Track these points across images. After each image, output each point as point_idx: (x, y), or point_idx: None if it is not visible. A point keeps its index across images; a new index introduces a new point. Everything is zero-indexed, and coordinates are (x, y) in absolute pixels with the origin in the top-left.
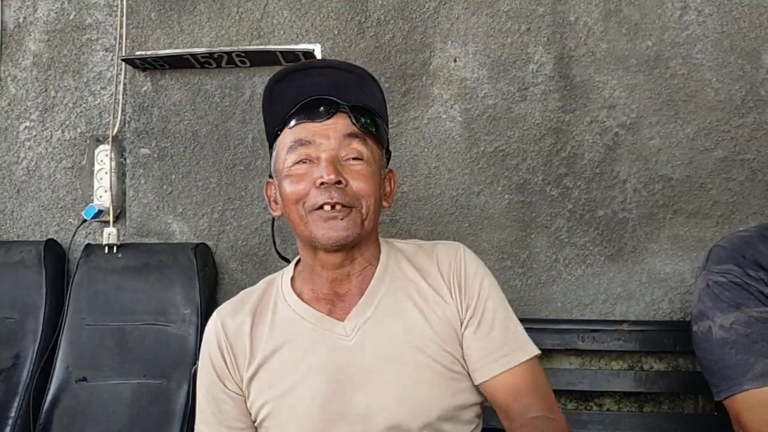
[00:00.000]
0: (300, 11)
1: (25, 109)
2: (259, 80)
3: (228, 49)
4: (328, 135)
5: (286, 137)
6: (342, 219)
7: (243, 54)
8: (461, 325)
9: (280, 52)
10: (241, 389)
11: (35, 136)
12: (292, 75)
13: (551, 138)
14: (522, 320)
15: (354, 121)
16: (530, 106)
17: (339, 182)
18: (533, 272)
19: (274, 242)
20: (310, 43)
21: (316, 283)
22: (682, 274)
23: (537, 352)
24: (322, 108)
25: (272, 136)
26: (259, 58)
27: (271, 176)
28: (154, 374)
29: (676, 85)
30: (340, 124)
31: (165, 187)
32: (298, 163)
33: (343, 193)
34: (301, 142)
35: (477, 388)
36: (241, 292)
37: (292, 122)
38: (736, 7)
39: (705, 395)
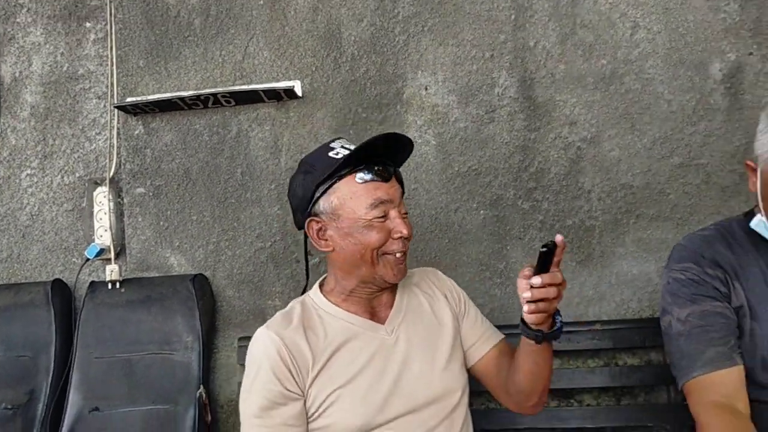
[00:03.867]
0: (279, 51)
1: (25, 158)
2: (244, 117)
3: (213, 90)
4: (395, 195)
5: (359, 190)
6: (403, 263)
7: (228, 94)
8: (459, 321)
9: (263, 90)
10: (302, 390)
11: (36, 182)
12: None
13: (519, 155)
14: (503, 326)
15: (400, 183)
16: (498, 127)
17: (408, 236)
18: (511, 281)
19: (307, 275)
20: (290, 80)
21: (354, 301)
22: (648, 274)
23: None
24: (387, 170)
25: (326, 179)
26: (243, 97)
27: (315, 215)
28: (162, 400)
29: (631, 100)
30: (396, 186)
31: (161, 223)
32: (379, 217)
33: (406, 243)
34: (382, 201)
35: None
36: (279, 314)
37: (364, 177)
38: (682, 24)
39: (676, 385)
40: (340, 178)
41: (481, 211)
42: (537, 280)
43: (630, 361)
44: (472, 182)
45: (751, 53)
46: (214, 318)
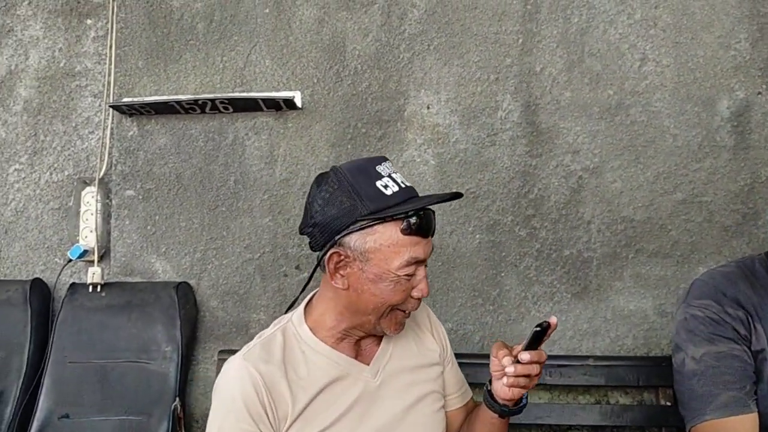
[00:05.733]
0: (281, 60)
1: (14, 152)
2: (241, 125)
3: (212, 96)
4: (428, 253)
5: (400, 241)
6: (407, 318)
7: (226, 101)
8: (443, 365)
9: (262, 99)
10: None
11: (24, 178)
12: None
13: (519, 181)
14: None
15: (433, 236)
16: (499, 151)
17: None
18: (503, 309)
19: (303, 291)
20: (291, 90)
21: (342, 338)
22: (644, 311)
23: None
24: (430, 221)
25: (369, 215)
26: (241, 105)
27: (340, 245)
28: (135, 411)
29: (636, 132)
30: (431, 242)
31: (149, 227)
32: (409, 274)
33: (420, 302)
34: (417, 260)
35: None
36: (260, 341)
37: (410, 226)
38: (691, 59)
39: (668, 428)
40: (384, 220)
41: (477, 236)
42: (526, 356)
43: (622, 400)
44: (470, 205)
45: (759, 93)
46: (195, 329)
